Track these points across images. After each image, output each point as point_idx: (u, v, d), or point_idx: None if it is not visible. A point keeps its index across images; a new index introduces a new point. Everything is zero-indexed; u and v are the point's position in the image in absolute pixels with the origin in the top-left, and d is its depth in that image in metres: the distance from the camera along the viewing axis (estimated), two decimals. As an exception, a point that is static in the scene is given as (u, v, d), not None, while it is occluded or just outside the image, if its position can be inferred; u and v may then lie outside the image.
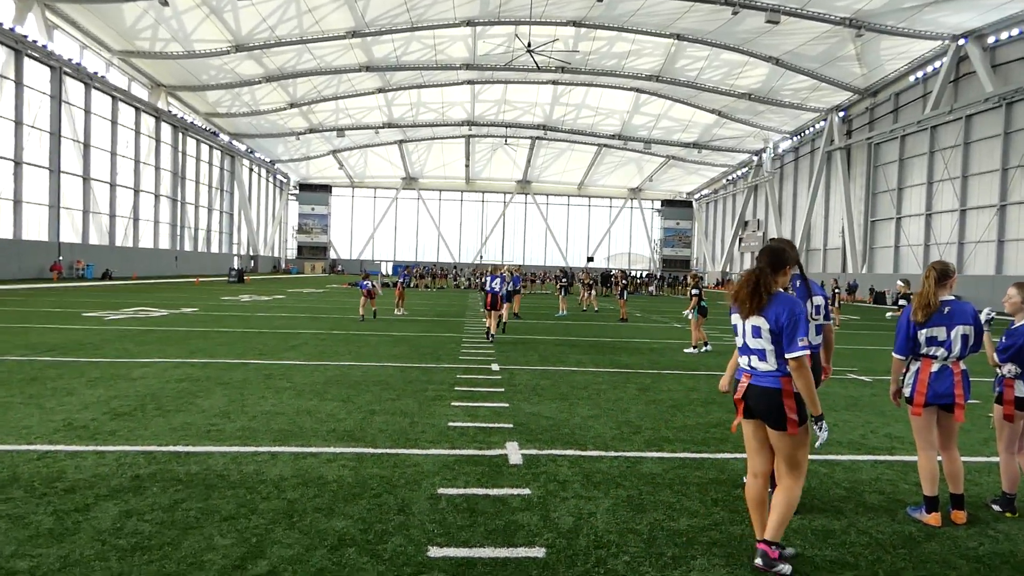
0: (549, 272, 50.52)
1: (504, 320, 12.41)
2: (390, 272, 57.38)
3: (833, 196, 41.93)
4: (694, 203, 68.57)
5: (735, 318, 2.81)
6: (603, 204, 71.66)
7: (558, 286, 17.55)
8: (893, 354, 3.53)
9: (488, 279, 11.67)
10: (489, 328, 10.59)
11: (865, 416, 5.81)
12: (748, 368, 2.76)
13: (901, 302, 9.56)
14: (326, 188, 66.61)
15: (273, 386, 6.27)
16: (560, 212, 71.61)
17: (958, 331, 3.35)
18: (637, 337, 12.25)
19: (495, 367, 7.80)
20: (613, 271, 42.42)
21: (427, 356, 8.63)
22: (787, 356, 2.64)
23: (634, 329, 14.00)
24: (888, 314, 9.69)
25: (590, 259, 63.78)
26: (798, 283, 3.34)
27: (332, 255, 69.01)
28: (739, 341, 2.79)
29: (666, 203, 68.31)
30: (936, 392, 3.37)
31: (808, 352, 2.63)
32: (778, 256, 2.76)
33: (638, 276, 43.20)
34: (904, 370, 3.51)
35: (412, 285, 35.12)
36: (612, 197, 70.93)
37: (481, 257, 64.60)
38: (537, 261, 69.59)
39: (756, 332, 2.69)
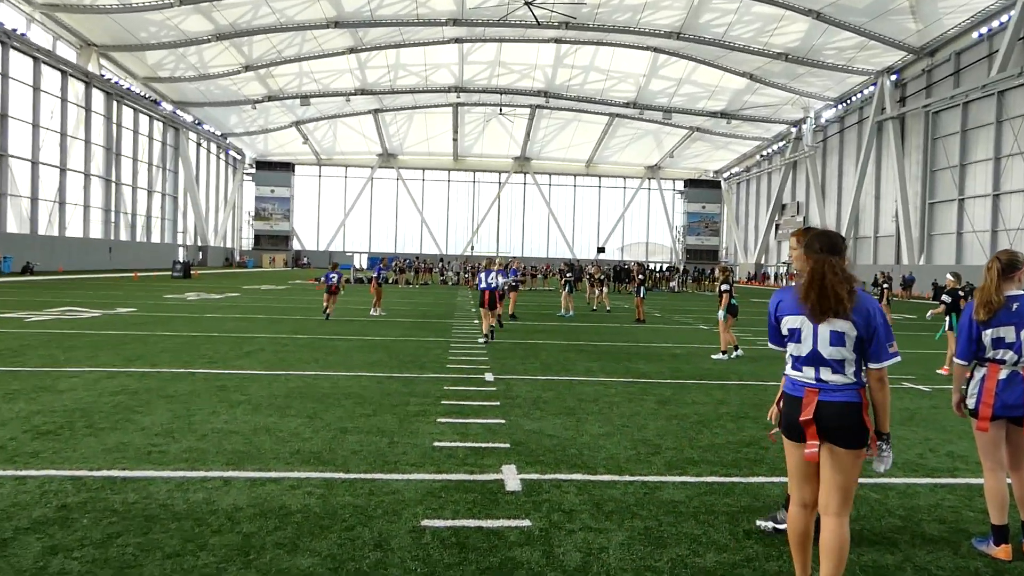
0: (553, 265, 50.55)
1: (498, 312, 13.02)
2: (365, 265, 57.36)
3: (885, 174, 42.05)
4: (723, 183, 68.73)
5: (795, 321, 2.73)
6: (616, 185, 71.85)
7: (562, 282, 17.60)
8: (954, 359, 3.52)
9: (483, 275, 12.13)
10: (486, 328, 11.40)
11: (923, 432, 5.83)
12: (814, 382, 2.69)
13: (944, 298, 9.57)
14: (288, 167, 66.54)
15: (225, 400, 6.26)
16: (565, 194, 71.80)
17: None
18: (656, 341, 12.28)
19: (489, 377, 7.81)
20: (628, 264, 42.45)
21: (408, 364, 8.63)
22: (877, 366, 2.64)
23: (653, 332, 14.02)
24: (929, 313, 9.68)
25: (601, 250, 63.85)
26: None
27: (296, 246, 68.99)
28: (799, 350, 2.71)
29: (690, 183, 68.48)
30: (1005, 402, 3.36)
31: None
32: (837, 243, 2.74)
33: (657, 269, 43.32)
34: (968, 377, 3.51)
35: (391, 281, 35.16)
36: (626, 176, 71.05)
37: (472, 248, 64.70)
38: (538, 252, 69.73)
39: (837, 339, 2.64)
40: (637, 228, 72.89)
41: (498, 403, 6.38)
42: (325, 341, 10.75)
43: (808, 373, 2.70)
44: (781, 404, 2.83)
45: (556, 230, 70.98)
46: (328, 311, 14.86)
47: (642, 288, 15.87)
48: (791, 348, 2.76)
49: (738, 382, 8.10)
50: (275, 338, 10.93)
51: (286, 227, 67.10)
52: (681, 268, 48.12)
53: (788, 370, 2.80)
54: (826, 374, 2.67)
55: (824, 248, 2.72)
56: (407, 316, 15.99)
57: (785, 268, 52.78)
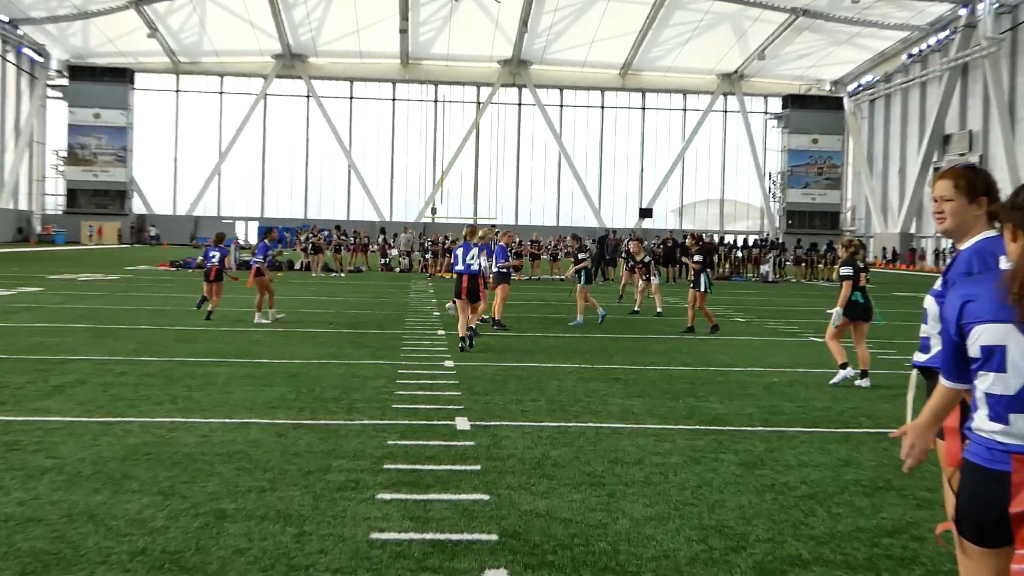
0: (566, 239, 50.52)
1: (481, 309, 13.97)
2: (252, 240, 57.11)
3: (1113, 87, 42.22)
4: (847, 102, 68.98)
5: (996, 333, 2.68)
6: (670, 106, 71.99)
7: (573, 270, 17.60)
8: None
9: (460, 250, 12.98)
10: (463, 331, 12.66)
11: None
12: None
13: None
14: (123, 76, 66.33)
15: (21, 466, 6.23)
16: (587, 122, 71.87)
17: None
18: (739, 363, 12.33)
19: (463, 424, 7.82)
20: (685, 236, 42.02)
21: (329, 404, 8.64)
22: None
23: (732, 348, 14.06)
24: None
25: (646, 214, 63.84)
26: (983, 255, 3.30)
27: (137, 208, 68.84)
28: (1006, 384, 2.69)
29: (793, 102, 68.99)
30: None
31: None
32: None
33: (738, 244, 43.46)
34: None
35: (300, 267, 35.05)
36: (687, 91, 71.14)
37: (433, 212, 64.71)
38: (544, 219, 69.77)
39: None
40: (705, 178, 73.10)
41: (478, 467, 6.39)
42: (190, 367, 10.71)
43: (1020, 427, 2.65)
44: (955, 483, 2.78)
45: (571, 181, 71.02)
46: (210, 309, 15.45)
47: (703, 277, 15.77)
48: (987, 382, 2.71)
49: (873, 430, 8.12)
50: (105, 362, 10.88)
51: (120, 177, 66.88)
52: (779, 242, 48.29)
53: (978, 423, 2.75)
54: None
55: None
56: (327, 323, 15.95)
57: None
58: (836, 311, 10.62)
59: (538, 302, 22.19)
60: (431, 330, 15.30)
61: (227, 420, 7.84)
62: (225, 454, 6.64)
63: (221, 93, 69.97)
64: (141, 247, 60.03)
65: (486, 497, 5.67)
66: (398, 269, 38.04)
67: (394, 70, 68.68)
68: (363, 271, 36.16)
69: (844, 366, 10.39)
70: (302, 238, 37.09)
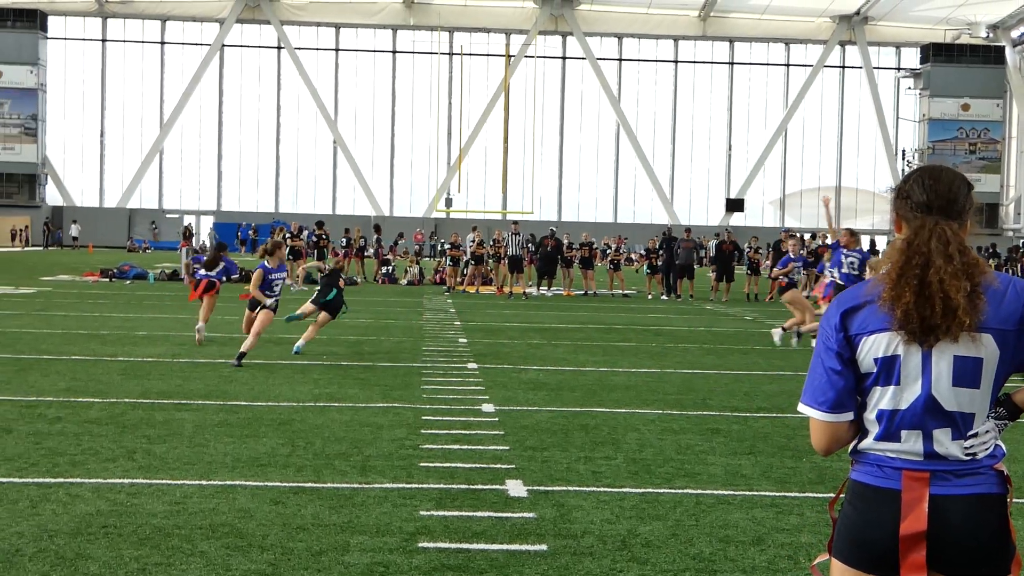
0: (631, 241, 50.43)
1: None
2: (208, 240, 57.50)
3: None
4: (1010, 53, 68.19)
5: (884, 343, 3.01)
6: (768, 61, 71.39)
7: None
8: None
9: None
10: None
11: None
12: (922, 460, 3.00)
13: None
14: (32, 20, 66.62)
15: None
16: (655, 81, 71.76)
17: None
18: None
19: (516, 488, 7.90)
20: (791, 235, 41.98)
21: (336, 462, 8.75)
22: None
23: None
24: None
25: (735, 206, 63.13)
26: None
27: (52, 197, 69.18)
28: (897, 399, 3.02)
29: (935, 53, 68.63)
30: None
31: None
32: (957, 192, 3.03)
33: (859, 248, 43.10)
34: None
35: (283, 284, 35.29)
36: (790, 40, 70.54)
37: (449, 203, 64.68)
38: (596, 214, 69.03)
39: (968, 372, 2.96)
40: (815, 158, 72.64)
41: (543, 547, 6.48)
42: (145, 411, 10.84)
43: (911, 444, 2.99)
44: (839, 507, 3.13)
45: (634, 162, 70.84)
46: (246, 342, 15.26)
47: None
48: (878, 399, 3.04)
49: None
50: (32, 404, 11.02)
51: (30, 156, 67.33)
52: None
53: (867, 443, 3.09)
54: (945, 443, 2.97)
55: (936, 202, 3.00)
56: (319, 354, 16.20)
57: None
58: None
59: (597, 326, 22.19)
60: (459, 363, 15.38)
61: (204, 482, 7.94)
62: (207, 527, 6.72)
63: (162, 44, 70.21)
64: (59, 250, 60.29)
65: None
66: (406, 280, 38.25)
67: (395, 13, 68.92)
68: (358, 283, 36.39)
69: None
70: (274, 239, 37.38)
